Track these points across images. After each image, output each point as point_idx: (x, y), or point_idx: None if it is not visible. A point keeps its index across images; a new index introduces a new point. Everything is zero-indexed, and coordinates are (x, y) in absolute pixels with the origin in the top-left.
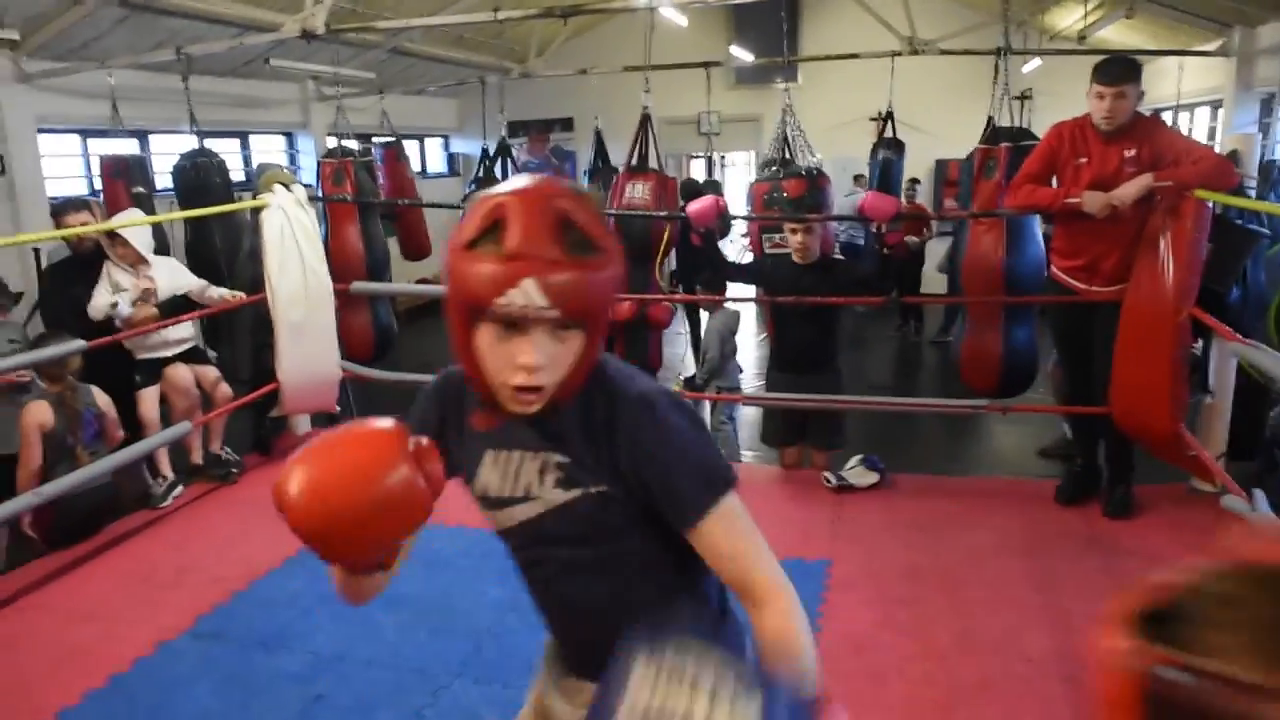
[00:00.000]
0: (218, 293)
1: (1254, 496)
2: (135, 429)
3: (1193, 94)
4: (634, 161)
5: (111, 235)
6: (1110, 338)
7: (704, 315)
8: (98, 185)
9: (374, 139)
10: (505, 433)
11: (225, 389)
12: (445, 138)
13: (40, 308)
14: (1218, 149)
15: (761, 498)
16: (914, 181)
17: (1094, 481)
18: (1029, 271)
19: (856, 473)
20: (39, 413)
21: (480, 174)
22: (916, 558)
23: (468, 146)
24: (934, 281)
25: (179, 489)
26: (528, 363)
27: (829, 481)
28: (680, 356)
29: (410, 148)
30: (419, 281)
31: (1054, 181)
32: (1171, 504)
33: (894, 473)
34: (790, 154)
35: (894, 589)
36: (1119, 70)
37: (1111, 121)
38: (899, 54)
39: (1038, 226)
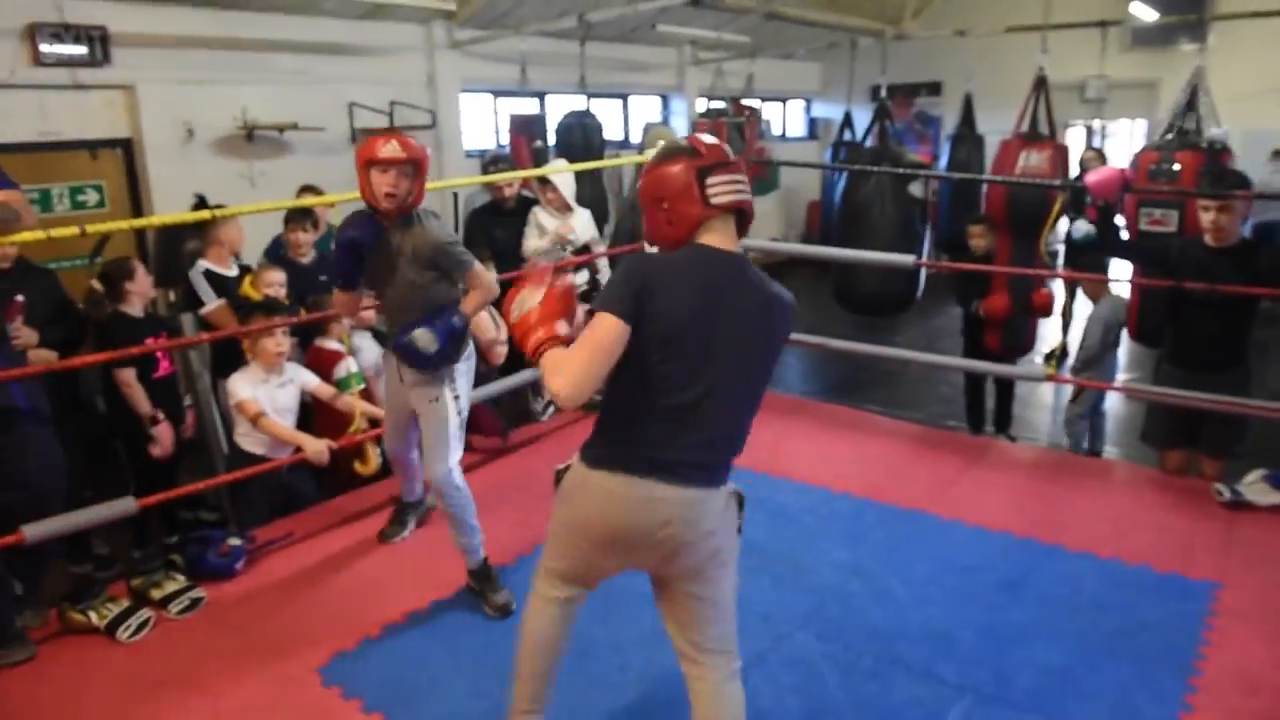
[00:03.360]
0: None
1: None
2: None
3: None
4: (1025, 128)
5: (544, 182)
6: None
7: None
8: (501, 140)
9: (738, 100)
10: None
11: None
12: (807, 100)
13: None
14: None
15: (1137, 500)
16: None
17: None
18: None
19: (1257, 489)
20: None
21: (840, 138)
22: None
23: (828, 110)
24: None
25: (553, 409)
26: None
27: (1221, 494)
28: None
29: (772, 110)
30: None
31: None
32: None
33: None
34: (1198, 124)
35: None
36: None
37: None
38: None
39: None
